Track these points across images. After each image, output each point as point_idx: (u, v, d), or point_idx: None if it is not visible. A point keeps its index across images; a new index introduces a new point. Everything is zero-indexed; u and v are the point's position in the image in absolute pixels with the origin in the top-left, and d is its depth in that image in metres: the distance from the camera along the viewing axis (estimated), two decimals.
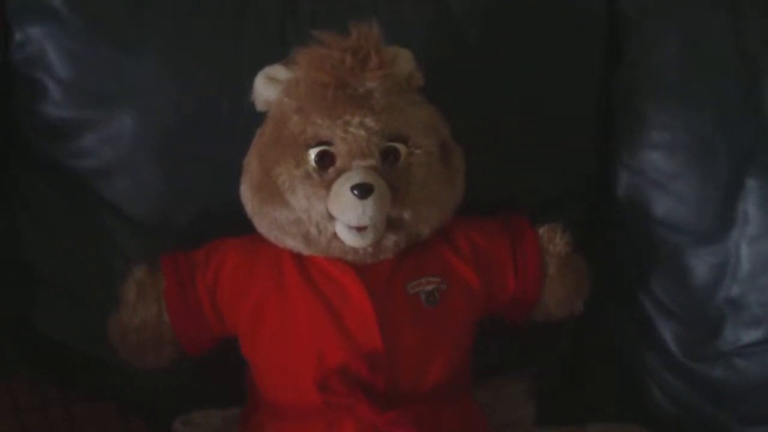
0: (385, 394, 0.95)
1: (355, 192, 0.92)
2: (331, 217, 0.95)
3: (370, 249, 0.97)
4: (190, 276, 1.02)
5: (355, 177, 0.93)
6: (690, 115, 1.15)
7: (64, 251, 1.15)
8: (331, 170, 0.95)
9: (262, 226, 1.01)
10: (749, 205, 1.11)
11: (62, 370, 1.13)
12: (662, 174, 1.15)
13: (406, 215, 0.97)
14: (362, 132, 0.95)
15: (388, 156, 0.96)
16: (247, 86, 1.01)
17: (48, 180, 1.15)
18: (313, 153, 0.96)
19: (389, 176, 0.95)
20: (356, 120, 0.95)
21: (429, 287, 1.00)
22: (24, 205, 1.16)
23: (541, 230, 1.07)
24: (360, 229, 0.95)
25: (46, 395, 1.03)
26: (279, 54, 1.01)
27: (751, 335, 1.11)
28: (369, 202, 0.92)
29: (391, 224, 0.97)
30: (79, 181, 1.14)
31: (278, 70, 0.99)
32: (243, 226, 1.02)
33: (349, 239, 0.96)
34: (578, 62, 1.19)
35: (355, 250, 0.97)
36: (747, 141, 1.12)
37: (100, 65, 1.10)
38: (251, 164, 1.01)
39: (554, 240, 1.06)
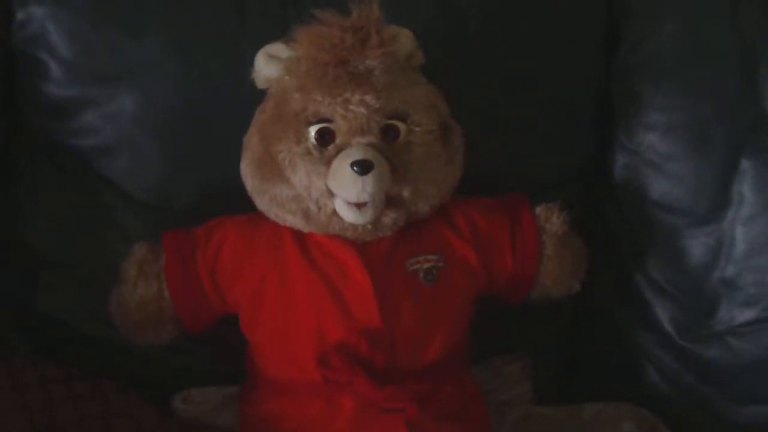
0: (384, 371, 0.96)
1: (355, 168, 0.93)
2: (331, 194, 0.96)
3: (369, 226, 0.98)
4: (191, 253, 1.03)
5: (355, 153, 0.94)
6: (687, 98, 1.15)
7: (64, 230, 1.15)
8: (331, 147, 0.96)
9: (262, 203, 1.01)
10: (744, 187, 1.11)
11: (63, 349, 1.13)
12: (659, 155, 1.16)
13: (405, 193, 0.98)
14: (362, 109, 0.95)
15: (388, 133, 0.97)
16: (248, 65, 1.02)
17: (49, 160, 1.15)
18: (313, 130, 0.97)
19: (389, 154, 0.96)
20: (357, 97, 0.95)
21: (427, 265, 1.01)
22: (25, 185, 1.16)
23: (539, 209, 1.07)
24: (359, 206, 0.96)
25: (47, 373, 1.03)
26: (280, 33, 1.02)
27: (745, 315, 1.12)
28: (369, 179, 0.93)
29: (390, 202, 0.98)
30: (81, 160, 1.14)
31: (279, 48, 1.00)
32: (244, 204, 1.03)
33: (349, 216, 0.96)
34: (578, 44, 1.20)
35: (354, 226, 0.98)
36: (743, 123, 1.12)
37: (101, 44, 1.11)
38: (252, 141, 1.01)
39: (551, 219, 1.07)
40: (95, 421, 1.00)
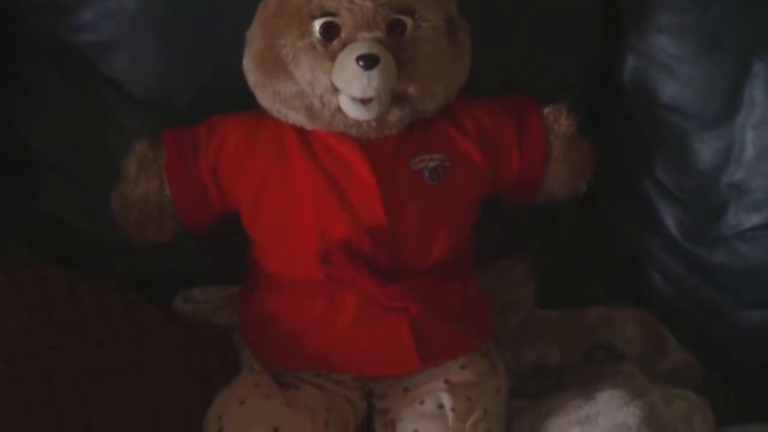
0: (388, 269, 0.95)
1: (361, 63, 0.91)
2: (336, 90, 0.94)
3: (374, 123, 0.96)
4: (192, 151, 1.01)
5: (360, 48, 0.92)
6: (699, 1, 1.13)
7: (63, 130, 1.14)
8: (335, 42, 0.94)
9: (264, 99, 1.00)
10: (756, 90, 1.10)
11: (64, 250, 1.13)
12: (670, 57, 1.14)
13: (411, 90, 0.96)
14: (368, 3, 0.94)
15: (394, 29, 0.95)
16: None
17: (47, 58, 1.14)
18: (317, 24, 0.95)
19: (395, 49, 0.94)
20: None
21: (433, 163, 0.99)
22: (22, 86, 1.15)
23: (547, 110, 1.06)
24: (365, 102, 0.94)
25: (46, 272, 1.03)
26: None
27: (753, 219, 1.12)
28: (374, 74, 0.91)
29: (396, 99, 0.96)
30: (79, 58, 1.12)
31: None
32: (246, 102, 1.02)
33: (353, 112, 0.95)
34: None
35: (359, 123, 0.96)
36: (756, 28, 1.11)
37: None
38: (254, 36, 0.99)
39: (559, 120, 1.05)
40: (94, 319, 1.00)
